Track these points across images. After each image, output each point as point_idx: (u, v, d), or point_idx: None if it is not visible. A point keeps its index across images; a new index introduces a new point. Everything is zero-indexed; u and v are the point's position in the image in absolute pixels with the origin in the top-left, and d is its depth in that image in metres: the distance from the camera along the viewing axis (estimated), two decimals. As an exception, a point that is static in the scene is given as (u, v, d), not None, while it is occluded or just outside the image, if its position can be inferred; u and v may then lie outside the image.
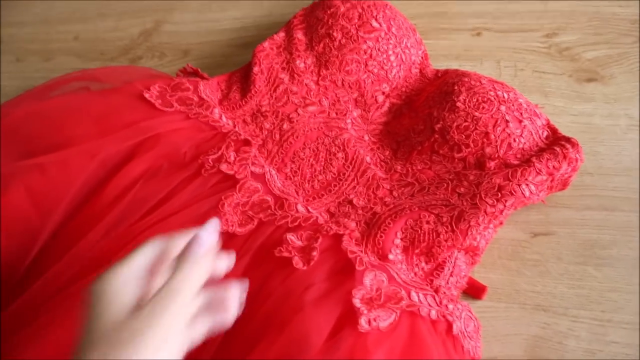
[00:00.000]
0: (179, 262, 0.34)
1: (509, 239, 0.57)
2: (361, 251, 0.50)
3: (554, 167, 0.51)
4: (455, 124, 0.54)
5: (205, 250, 0.35)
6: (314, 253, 0.48)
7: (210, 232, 0.36)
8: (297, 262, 0.48)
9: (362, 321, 0.43)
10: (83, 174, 0.53)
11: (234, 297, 0.36)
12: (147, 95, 0.58)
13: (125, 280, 0.33)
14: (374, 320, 0.43)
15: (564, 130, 0.61)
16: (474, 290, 0.54)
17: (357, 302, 0.44)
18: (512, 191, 0.51)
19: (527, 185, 0.51)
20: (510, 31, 0.69)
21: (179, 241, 0.36)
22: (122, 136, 0.55)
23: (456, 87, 0.56)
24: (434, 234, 0.51)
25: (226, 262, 0.40)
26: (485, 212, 0.51)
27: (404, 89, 0.63)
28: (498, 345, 0.53)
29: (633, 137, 0.61)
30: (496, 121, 0.53)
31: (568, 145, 0.52)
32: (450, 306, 0.49)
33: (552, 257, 0.56)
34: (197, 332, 0.35)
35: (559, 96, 0.64)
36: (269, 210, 0.53)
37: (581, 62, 0.66)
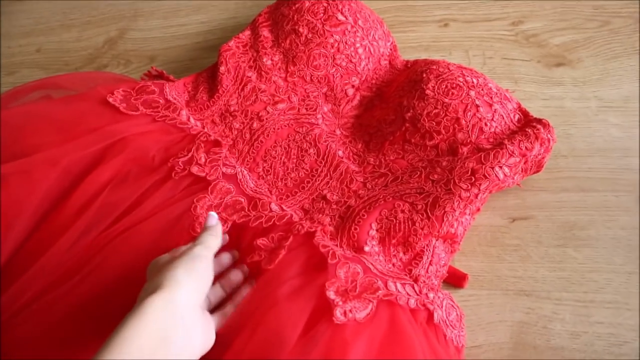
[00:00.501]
0: (204, 229, 0.45)
1: (487, 225, 0.56)
2: (336, 245, 0.49)
3: (526, 148, 0.51)
4: (425, 111, 0.54)
5: (217, 222, 0.46)
6: (282, 251, 0.46)
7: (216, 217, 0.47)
8: (265, 263, 0.47)
9: (338, 313, 0.41)
10: (45, 182, 0.51)
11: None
12: (110, 100, 0.56)
13: None
14: (350, 311, 0.42)
15: (536, 115, 0.61)
16: (455, 279, 0.53)
17: (331, 294, 0.42)
18: (486, 174, 0.50)
19: (500, 167, 0.50)
20: (477, 21, 0.70)
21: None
22: (86, 142, 0.54)
23: (425, 75, 0.56)
24: (410, 222, 0.50)
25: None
26: (460, 196, 0.50)
27: (374, 81, 0.63)
28: (483, 334, 0.51)
29: (604, 118, 0.61)
30: (466, 106, 0.52)
31: (539, 126, 0.52)
32: (431, 295, 0.48)
33: (531, 241, 0.55)
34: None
35: (528, 81, 0.64)
36: (243, 212, 0.51)
37: (549, 47, 0.66)
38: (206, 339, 0.40)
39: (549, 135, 0.52)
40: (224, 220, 0.50)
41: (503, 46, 0.67)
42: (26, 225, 0.51)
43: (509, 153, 0.51)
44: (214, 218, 0.46)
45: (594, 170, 0.58)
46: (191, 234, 0.49)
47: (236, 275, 0.48)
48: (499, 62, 0.66)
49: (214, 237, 0.44)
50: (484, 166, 0.50)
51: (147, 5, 0.83)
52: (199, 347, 0.38)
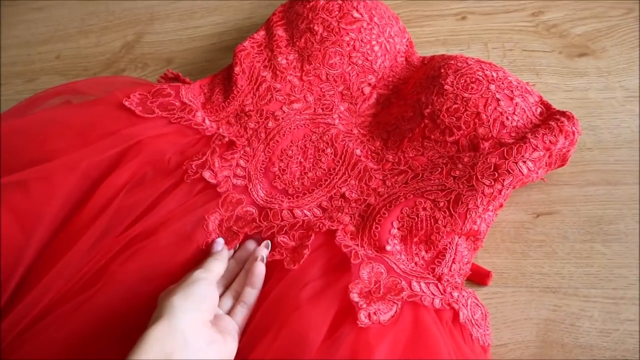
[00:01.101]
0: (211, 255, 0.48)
1: (511, 221, 0.55)
2: (357, 245, 0.48)
3: (550, 141, 0.50)
4: (444, 107, 0.52)
5: (222, 248, 0.49)
6: (305, 251, 0.46)
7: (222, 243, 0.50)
8: (289, 263, 0.46)
9: (362, 316, 0.41)
10: (65, 187, 0.51)
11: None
12: (126, 103, 0.56)
13: None
14: (374, 314, 0.41)
15: (559, 107, 0.59)
16: (478, 277, 0.52)
17: (354, 297, 0.42)
18: (509, 170, 0.49)
19: (524, 162, 0.49)
20: (495, 13, 0.68)
21: None
22: (104, 145, 0.54)
23: (443, 71, 0.55)
24: (432, 220, 0.49)
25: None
26: (483, 193, 0.49)
27: (390, 79, 0.62)
28: (508, 332, 0.50)
29: (631, 109, 0.59)
30: (486, 100, 0.51)
31: (563, 119, 0.51)
32: (455, 294, 0.47)
33: (557, 236, 0.54)
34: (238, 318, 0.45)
35: (550, 73, 0.63)
36: (254, 223, 0.51)
37: (570, 37, 0.65)
38: (222, 351, 0.40)
39: (573, 128, 0.51)
40: (235, 234, 0.50)
41: (523, 38, 0.66)
42: (48, 230, 0.51)
43: (532, 147, 0.49)
44: (219, 244, 0.50)
45: (621, 163, 0.56)
46: (204, 250, 0.49)
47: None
48: (519, 55, 0.64)
49: (218, 261, 0.47)
50: (507, 161, 0.49)
51: (163, 9, 0.84)
52: None
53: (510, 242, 0.54)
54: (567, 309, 0.50)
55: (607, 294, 0.51)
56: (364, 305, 0.41)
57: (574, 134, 0.51)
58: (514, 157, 0.49)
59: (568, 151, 0.52)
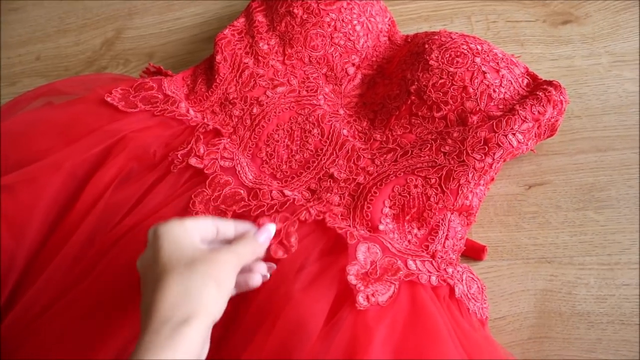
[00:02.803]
0: (249, 237, 0.41)
1: (503, 194, 0.55)
2: (349, 225, 0.48)
3: (539, 112, 0.49)
4: (430, 82, 0.52)
5: (268, 240, 0.43)
6: (293, 239, 0.45)
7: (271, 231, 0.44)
8: (276, 251, 0.45)
9: (360, 298, 0.40)
10: (52, 187, 0.51)
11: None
12: (108, 99, 0.56)
13: (191, 227, 0.38)
14: (372, 295, 0.41)
15: (545, 76, 0.59)
16: (473, 252, 0.52)
17: (352, 279, 0.41)
18: (499, 143, 0.48)
19: (513, 134, 0.48)
20: (477, -15, 0.67)
21: (229, 226, 0.42)
22: (88, 143, 0.53)
23: (427, 46, 0.54)
24: (424, 197, 0.49)
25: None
26: (474, 168, 0.48)
27: (374, 59, 0.61)
28: (506, 305, 0.50)
29: (617, 74, 0.58)
30: (473, 73, 0.51)
31: (550, 89, 0.50)
32: (450, 270, 0.47)
33: (550, 206, 0.54)
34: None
35: (535, 43, 0.62)
36: (243, 202, 0.50)
37: (553, 5, 0.64)
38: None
39: (561, 97, 0.50)
40: (223, 212, 0.49)
41: (506, 9, 0.65)
42: (38, 233, 0.51)
43: (521, 119, 0.49)
44: (266, 232, 0.43)
45: (610, 129, 0.56)
46: None
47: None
48: (503, 26, 0.64)
49: (252, 252, 0.41)
50: (496, 134, 0.48)
51: (141, 3, 0.82)
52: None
53: (504, 215, 0.54)
54: (563, 278, 0.50)
55: (602, 260, 0.51)
56: (362, 288, 0.41)
57: (562, 103, 0.50)
58: (504, 129, 0.48)
59: (557, 121, 0.52)
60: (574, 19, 0.62)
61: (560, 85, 0.51)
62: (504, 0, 0.65)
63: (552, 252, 0.52)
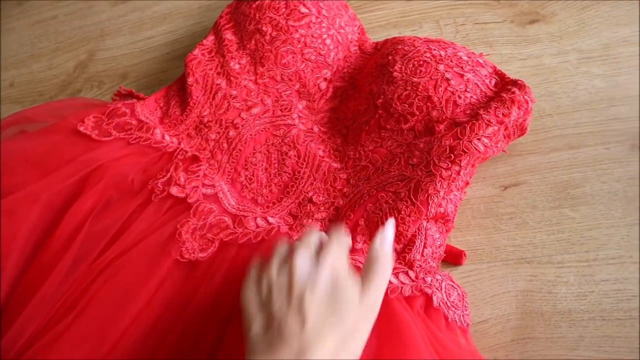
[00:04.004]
0: (374, 264, 0.38)
1: (479, 197, 0.55)
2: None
3: (503, 114, 0.49)
4: (396, 95, 0.52)
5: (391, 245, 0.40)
6: None
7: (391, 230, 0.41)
8: None
9: None
10: (29, 220, 0.51)
11: None
12: (81, 129, 0.55)
13: None
14: None
15: (515, 76, 0.59)
16: (453, 257, 0.52)
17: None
18: (465, 149, 0.48)
19: (479, 139, 0.49)
20: (444, -12, 0.68)
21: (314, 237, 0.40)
22: (63, 174, 0.53)
23: (390, 58, 0.54)
24: (395, 212, 0.49)
25: None
26: (441, 176, 0.48)
27: (346, 70, 0.61)
28: (488, 308, 0.51)
29: (585, 70, 0.59)
30: (436, 82, 0.51)
31: (514, 89, 0.50)
32: (429, 278, 0.47)
33: (526, 207, 0.54)
34: None
35: (504, 43, 0.62)
36: (228, 230, 0.50)
37: (520, 5, 0.64)
38: None
39: (525, 97, 0.50)
40: (210, 241, 0.49)
41: (474, 11, 0.65)
42: (16, 266, 0.50)
43: (485, 123, 0.49)
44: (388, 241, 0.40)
45: (582, 125, 0.56)
46: (179, 261, 0.49)
47: None
48: (471, 28, 0.64)
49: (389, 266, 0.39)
50: (461, 141, 0.48)
51: (112, 23, 0.82)
52: None
53: (481, 218, 0.55)
54: (543, 278, 0.51)
55: (580, 258, 0.51)
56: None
57: (527, 102, 0.51)
58: (468, 136, 0.49)
59: (524, 120, 0.52)
60: (541, 18, 0.63)
61: (524, 85, 0.51)
62: (471, 2, 0.66)
63: (530, 252, 0.52)
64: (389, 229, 0.41)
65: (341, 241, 0.39)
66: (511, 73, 0.58)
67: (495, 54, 0.62)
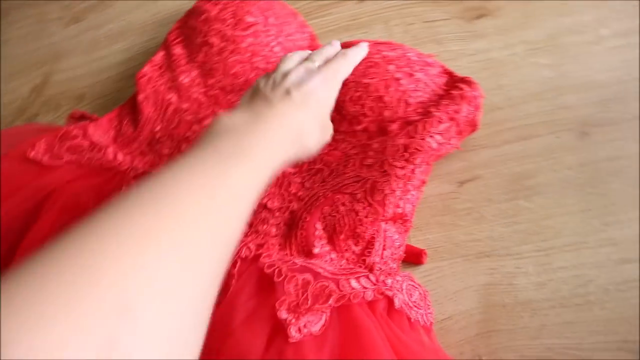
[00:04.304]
0: (345, 51, 0.51)
1: (437, 195, 0.56)
2: (286, 254, 0.48)
3: (454, 111, 0.50)
4: (347, 97, 0.52)
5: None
6: (232, 280, 0.45)
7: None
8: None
9: (292, 331, 0.40)
10: (-17, 251, 0.50)
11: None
12: (31, 155, 0.55)
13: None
14: (305, 327, 0.41)
15: (465, 72, 0.60)
16: (413, 257, 0.52)
17: (283, 314, 0.41)
18: (418, 147, 0.49)
19: (431, 137, 0.49)
20: (391, -11, 0.68)
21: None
22: (15, 202, 0.52)
23: None
24: (353, 213, 0.49)
25: None
26: (396, 175, 0.49)
27: (297, 76, 0.61)
28: (451, 304, 0.51)
29: (533, 61, 0.60)
30: (386, 82, 0.51)
31: (463, 86, 0.51)
32: (389, 281, 0.47)
33: (482, 201, 0.55)
34: None
35: (453, 40, 0.63)
36: None
37: (467, 1, 0.65)
38: None
39: (474, 93, 0.51)
40: None
41: (422, 10, 0.66)
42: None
43: (437, 120, 0.49)
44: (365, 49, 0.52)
45: (532, 116, 0.57)
46: None
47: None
48: (420, 27, 0.65)
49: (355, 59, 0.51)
50: (414, 139, 0.49)
51: (67, 44, 0.81)
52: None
53: (440, 215, 0.55)
54: (503, 270, 0.51)
55: (538, 247, 0.52)
56: (293, 321, 0.41)
57: (475, 98, 0.51)
58: (421, 133, 0.49)
59: (475, 116, 0.52)
60: (488, 13, 0.63)
61: (472, 81, 0.52)
62: (419, 1, 0.66)
63: (489, 245, 0.53)
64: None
65: (348, 59, 0.51)
66: (461, 69, 0.58)
67: (444, 51, 0.62)
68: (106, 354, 0.21)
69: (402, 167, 0.49)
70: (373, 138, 0.52)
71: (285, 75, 0.45)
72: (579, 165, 0.54)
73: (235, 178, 0.33)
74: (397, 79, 0.51)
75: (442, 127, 0.49)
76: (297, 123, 0.42)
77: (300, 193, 0.52)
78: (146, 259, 0.25)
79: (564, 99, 0.57)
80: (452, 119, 0.50)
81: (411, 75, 0.52)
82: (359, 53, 0.52)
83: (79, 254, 0.24)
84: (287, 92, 0.44)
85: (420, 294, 0.49)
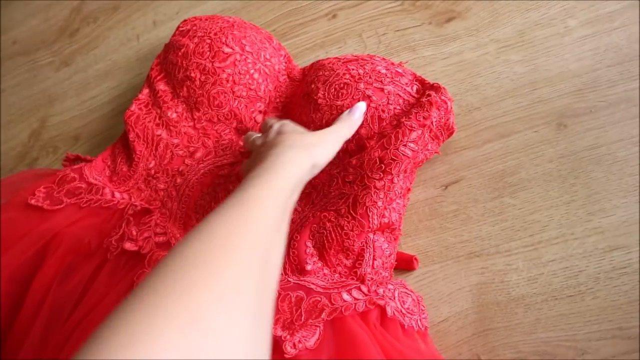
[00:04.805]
0: (343, 117, 0.52)
1: (423, 200, 0.57)
2: (281, 274, 0.50)
3: (424, 117, 0.51)
4: (324, 120, 0.54)
5: (362, 116, 0.53)
6: None
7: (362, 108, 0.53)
8: None
9: (288, 347, 0.42)
10: (-7, 297, 0.52)
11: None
12: (33, 202, 0.57)
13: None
14: (299, 342, 0.43)
15: (440, 76, 0.61)
16: (405, 264, 0.54)
17: (277, 331, 0.43)
18: (393, 157, 0.50)
19: (405, 145, 0.51)
20: (362, 2, 0.69)
21: None
22: (21, 248, 0.55)
23: (313, 86, 0.56)
24: (339, 228, 0.51)
25: None
26: (376, 187, 0.50)
27: (278, 100, 0.63)
28: (446, 307, 0.52)
29: (505, 59, 0.61)
30: (358, 101, 0.53)
31: (431, 92, 0.52)
32: (381, 290, 0.49)
33: (468, 201, 0.56)
34: None
35: (425, 45, 0.64)
36: None
37: (435, 6, 0.66)
38: None
39: (443, 97, 0.52)
40: None
41: (393, 19, 0.67)
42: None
43: (408, 129, 0.51)
44: (359, 111, 0.52)
45: (509, 113, 0.58)
46: None
47: None
48: (393, 36, 0.66)
49: (350, 128, 0.52)
50: (388, 150, 0.50)
51: (59, 87, 0.84)
52: None
53: (427, 220, 0.56)
54: (494, 268, 0.53)
55: (526, 242, 0.53)
56: (288, 337, 0.43)
57: (445, 102, 0.52)
58: (394, 144, 0.50)
59: (447, 120, 0.53)
60: (457, 15, 0.64)
61: (440, 87, 0.53)
62: (389, 11, 0.67)
63: (478, 245, 0.54)
64: (361, 108, 0.53)
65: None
66: (435, 73, 0.60)
67: (418, 57, 0.64)
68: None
69: (380, 179, 0.51)
70: (353, 155, 0.53)
71: (270, 126, 0.51)
72: (560, 158, 0.55)
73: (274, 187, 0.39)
74: (369, 97, 0.53)
75: (414, 135, 0.51)
76: (300, 142, 0.46)
77: (292, 217, 0.54)
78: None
79: (539, 92, 0.58)
80: (422, 125, 0.51)
81: (382, 90, 0.53)
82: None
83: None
84: (278, 132, 0.49)
85: (413, 299, 0.50)
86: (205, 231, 0.31)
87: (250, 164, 0.50)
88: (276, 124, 0.51)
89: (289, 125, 0.51)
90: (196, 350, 0.24)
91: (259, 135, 0.52)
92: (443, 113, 0.52)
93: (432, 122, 0.51)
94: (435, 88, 0.52)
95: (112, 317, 0.26)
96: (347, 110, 0.53)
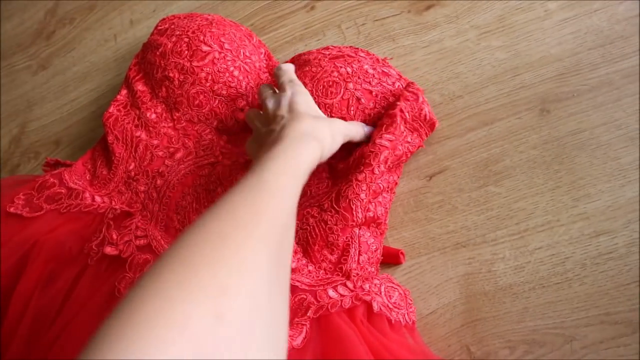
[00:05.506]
0: (358, 123, 0.54)
1: (407, 192, 0.56)
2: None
3: (391, 108, 0.52)
4: None
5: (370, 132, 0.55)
6: None
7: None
8: None
9: None
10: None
11: None
12: (12, 210, 0.56)
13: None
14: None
15: (421, 65, 0.61)
16: (392, 258, 0.53)
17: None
18: (371, 150, 0.51)
19: (380, 137, 0.51)
20: (340, -8, 0.68)
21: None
22: (1, 257, 0.54)
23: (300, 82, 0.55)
24: (322, 223, 0.50)
25: None
26: (357, 180, 0.50)
27: (260, 97, 0.62)
28: (434, 298, 0.52)
29: (486, 45, 0.60)
30: (348, 102, 0.52)
31: (403, 89, 0.53)
32: (367, 285, 0.48)
33: (453, 191, 0.55)
34: None
35: (405, 35, 0.63)
36: None
37: (414, -7, 0.65)
38: None
39: (410, 89, 0.53)
40: None
41: (371, 9, 0.66)
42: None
43: (385, 125, 0.51)
44: (370, 129, 0.54)
45: (492, 100, 0.57)
46: None
47: None
48: (372, 26, 0.65)
49: (358, 133, 0.53)
50: (367, 145, 0.50)
51: (37, 92, 0.83)
52: None
53: (413, 212, 0.56)
54: (481, 258, 0.52)
55: (512, 231, 0.52)
56: (275, 337, 0.42)
57: (414, 94, 0.53)
58: (373, 139, 0.51)
59: (421, 110, 0.53)
60: (436, 2, 0.63)
61: (409, 81, 0.55)
62: (367, 1, 0.66)
63: (464, 235, 0.53)
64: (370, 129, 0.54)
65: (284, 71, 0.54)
66: (416, 62, 0.59)
67: (398, 46, 0.63)
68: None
69: (361, 171, 0.50)
70: (340, 160, 0.53)
71: (267, 107, 0.51)
72: (543, 144, 0.54)
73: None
74: (358, 98, 0.53)
75: (385, 126, 0.51)
76: (313, 132, 0.46)
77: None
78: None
79: (521, 78, 0.57)
80: (393, 115, 0.52)
81: (370, 92, 0.54)
82: (285, 66, 0.55)
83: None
84: (290, 108, 0.49)
85: (400, 294, 0.50)
86: (227, 209, 0.33)
87: (259, 140, 0.51)
88: (288, 91, 0.50)
89: (301, 98, 0.50)
90: (227, 317, 0.25)
91: (272, 98, 0.52)
92: (416, 107, 0.52)
93: (404, 114, 0.51)
94: (404, 82, 0.54)
95: (141, 283, 0.27)
96: (363, 124, 0.54)
